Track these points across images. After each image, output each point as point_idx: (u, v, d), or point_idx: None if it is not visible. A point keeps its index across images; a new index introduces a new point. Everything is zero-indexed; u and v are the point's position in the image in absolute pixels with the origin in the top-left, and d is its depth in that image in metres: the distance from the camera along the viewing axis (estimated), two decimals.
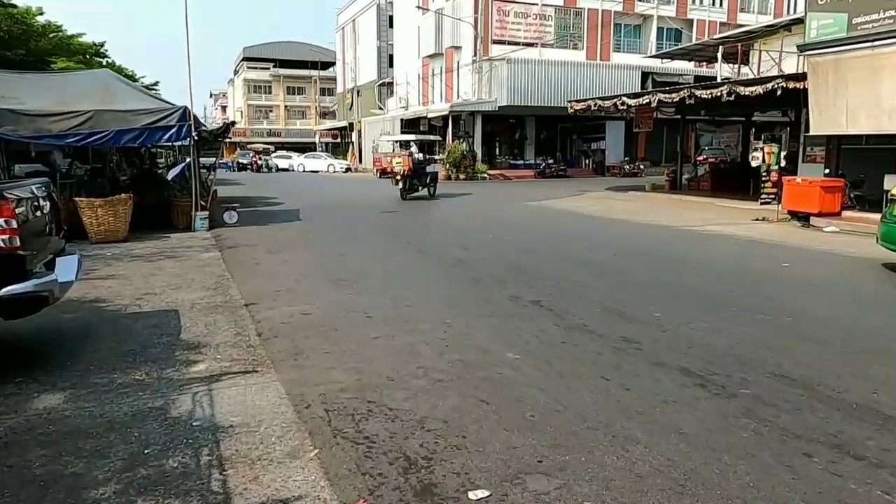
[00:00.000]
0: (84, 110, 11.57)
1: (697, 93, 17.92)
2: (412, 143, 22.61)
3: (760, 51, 22.03)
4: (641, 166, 37.72)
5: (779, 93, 15.48)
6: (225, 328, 5.67)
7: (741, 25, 39.74)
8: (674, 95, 18.90)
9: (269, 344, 5.18)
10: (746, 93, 16.44)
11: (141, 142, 12.01)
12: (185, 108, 12.20)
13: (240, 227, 13.25)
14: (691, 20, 43.37)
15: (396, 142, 24.20)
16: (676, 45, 41.19)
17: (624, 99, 21.05)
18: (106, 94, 12.40)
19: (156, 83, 38.14)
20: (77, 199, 11.28)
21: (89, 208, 11.15)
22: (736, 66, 28.75)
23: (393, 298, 6.72)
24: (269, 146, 62.03)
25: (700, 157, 35.67)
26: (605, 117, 35.95)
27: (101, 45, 30.33)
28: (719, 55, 23.14)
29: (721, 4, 44.30)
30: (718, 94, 17.26)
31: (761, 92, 15.95)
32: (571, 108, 23.92)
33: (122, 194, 11.70)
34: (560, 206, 18.75)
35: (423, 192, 21.43)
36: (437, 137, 29.15)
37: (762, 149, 16.32)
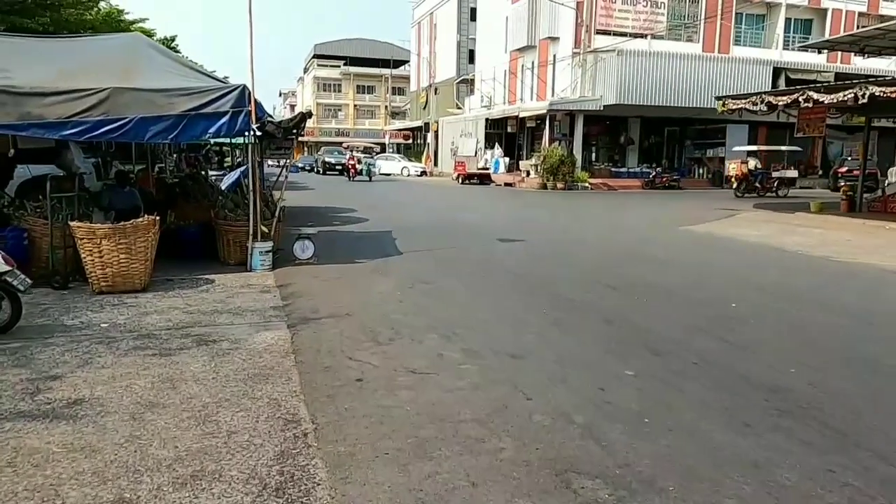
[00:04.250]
0: (97, 88, 7.58)
1: None
2: (750, 156, 27.45)
3: None
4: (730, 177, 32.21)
5: None
6: None
7: (883, 17, 33.95)
8: None
9: None
10: None
11: (175, 136, 7.86)
12: (244, 87, 8.05)
13: (316, 265, 9.01)
14: (825, 10, 37.27)
15: (748, 152, 28.00)
16: (806, 38, 35.55)
17: (809, 94, 15.88)
18: (131, 67, 8.37)
19: (224, 78, 34.86)
20: (74, 223, 7.22)
21: (89, 239, 7.06)
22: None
23: None
24: (372, 145, 54.55)
25: (842, 169, 30.05)
26: (728, 120, 30.63)
27: (173, 39, 27.11)
28: None
29: None
30: None
31: None
32: (724, 106, 18.85)
33: (146, 216, 7.59)
34: (731, 234, 13.80)
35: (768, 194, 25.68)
36: (796, 148, 30.18)
37: None
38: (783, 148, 29.38)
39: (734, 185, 25.85)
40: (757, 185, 25.83)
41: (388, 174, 41.99)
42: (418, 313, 6.46)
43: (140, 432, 3.66)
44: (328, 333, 5.64)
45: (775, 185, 26.41)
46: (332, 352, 5.12)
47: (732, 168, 26.33)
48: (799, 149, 30.67)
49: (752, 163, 26.48)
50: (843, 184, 26.09)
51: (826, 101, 15.70)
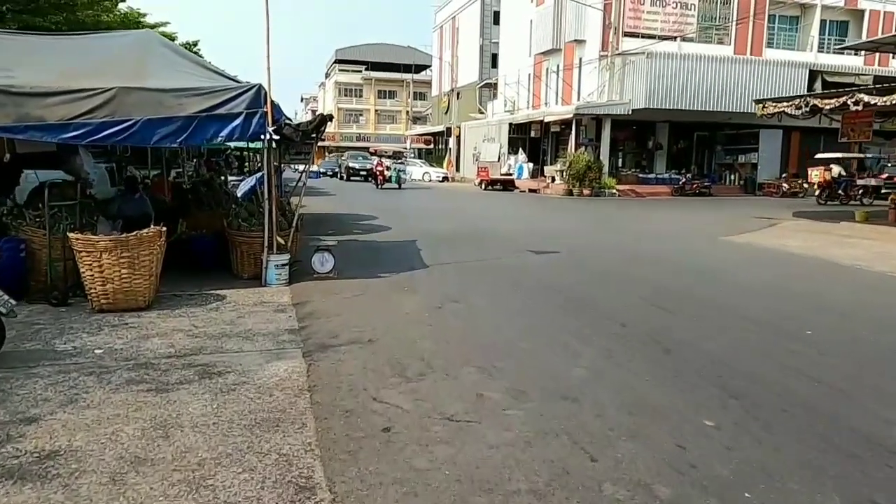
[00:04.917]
0: (102, 88, 6.97)
1: None
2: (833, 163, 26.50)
3: None
4: (805, 185, 30.90)
5: None
6: None
7: None
8: None
9: None
10: None
11: (184, 139, 7.23)
12: (259, 86, 7.41)
13: (336, 279, 8.33)
14: (862, 11, 35.96)
15: (825, 159, 27.16)
16: (842, 40, 34.36)
17: (860, 96, 14.89)
18: (140, 66, 7.78)
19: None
20: (72, 234, 6.61)
21: (88, 251, 6.44)
22: None
23: None
24: (402, 150, 53.69)
25: (882, 175, 28.80)
26: (761, 125, 29.57)
27: (195, 43, 26.76)
28: None
29: None
30: None
31: None
32: (764, 109, 17.91)
33: (152, 227, 6.96)
34: (775, 245, 12.88)
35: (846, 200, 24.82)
36: (864, 155, 28.94)
37: None
38: (869, 156, 28.81)
39: (816, 193, 25.54)
40: (840, 192, 25.10)
41: (411, 179, 41.41)
42: (450, 340, 5.72)
43: (119, 502, 2.97)
44: (349, 365, 4.93)
45: (860, 193, 25.42)
46: (354, 390, 4.41)
47: (815, 175, 25.81)
48: (883, 156, 30.02)
49: (836, 170, 25.70)
50: (885, 191, 25.15)
51: (878, 104, 14.74)
